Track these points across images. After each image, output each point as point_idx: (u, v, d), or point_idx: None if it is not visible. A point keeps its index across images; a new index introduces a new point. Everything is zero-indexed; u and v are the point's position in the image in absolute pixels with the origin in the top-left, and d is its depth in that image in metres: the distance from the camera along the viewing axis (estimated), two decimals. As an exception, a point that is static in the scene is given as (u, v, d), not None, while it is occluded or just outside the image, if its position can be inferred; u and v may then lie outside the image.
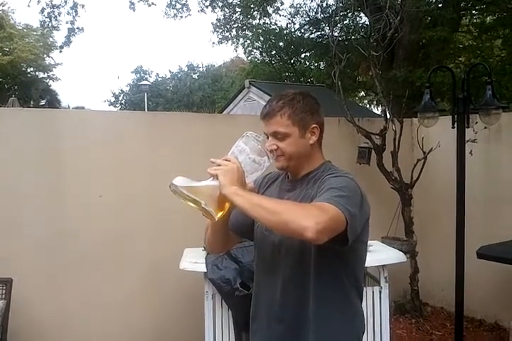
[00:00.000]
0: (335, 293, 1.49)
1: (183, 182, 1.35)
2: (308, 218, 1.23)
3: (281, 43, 13.61)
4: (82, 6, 11.73)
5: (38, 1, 11.42)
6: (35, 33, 22.20)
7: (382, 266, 2.91)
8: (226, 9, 12.48)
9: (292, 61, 14.49)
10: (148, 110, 22.40)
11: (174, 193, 1.36)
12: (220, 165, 1.38)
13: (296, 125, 1.50)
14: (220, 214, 1.38)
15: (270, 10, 12.76)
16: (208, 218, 1.40)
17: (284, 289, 1.52)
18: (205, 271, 2.75)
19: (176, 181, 1.35)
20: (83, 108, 22.43)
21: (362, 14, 10.00)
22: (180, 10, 12.34)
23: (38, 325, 3.20)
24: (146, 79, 30.30)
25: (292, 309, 1.51)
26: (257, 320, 1.63)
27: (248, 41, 14.43)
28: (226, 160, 1.39)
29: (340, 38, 8.94)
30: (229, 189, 1.32)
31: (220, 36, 13.33)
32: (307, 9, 13.06)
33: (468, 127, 3.12)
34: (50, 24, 12.19)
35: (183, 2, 12.25)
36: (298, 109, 1.51)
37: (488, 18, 9.72)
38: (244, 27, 13.08)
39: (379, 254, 2.96)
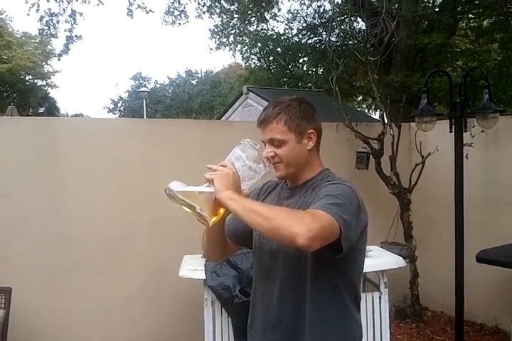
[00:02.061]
0: (332, 300, 1.49)
1: (178, 186, 1.36)
2: (300, 225, 1.23)
3: (278, 49, 13.69)
4: (81, 14, 11.78)
5: (37, 10, 11.48)
6: (33, 41, 22.32)
7: (382, 271, 2.91)
8: (224, 15, 12.55)
9: (290, 66, 14.54)
10: (147, 117, 22.45)
11: (169, 197, 1.36)
12: (216, 171, 1.38)
13: (293, 131, 1.50)
14: (214, 219, 1.38)
15: (267, 16, 12.84)
16: (202, 223, 1.40)
17: (281, 296, 1.51)
18: (205, 278, 2.74)
19: (172, 185, 1.35)
20: (82, 115, 22.57)
21: (359, 19, 10.06)
22: (178, 16, 12.39)
23: (37, 328, 3.19)
24: (145, 86, 30.36)
25: (289, 316, 1.50)
26: (254, 326, 1.63)
27: (246, 47, 14.50)
28: (222, 165, 1.40)
29: (337, 43, 8.98)
30: (223, 193, 1.33)
31: (217, 42, 13.40)
32: (304, 15, 13.16)
33: (465, 131, 3.12)
34: (48, 32, 12.24)
35: (180, 9, 12.30)
36: (294, 115, 1.50)
37: (484, 22, 9.77)
38: (242, 33, 13.15)
39: (378, 259, 2.96)
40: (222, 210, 1.39)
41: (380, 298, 2.92)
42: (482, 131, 3.48)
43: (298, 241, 1.21)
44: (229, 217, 1.52)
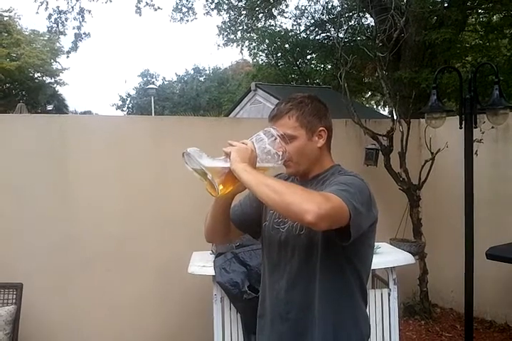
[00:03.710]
0: (341, 292, 1.50)
1: (196, 153, 1.38)
2: (311, 203, 1.23)
3: (286, 45, 13.61)
4: (89, 12, 11.84)
5: (46, 7, 11.54)
6: (42, 39, 22.40)
7: (391, 268, 2.89)
8: (231, 12, 12.54)
9: (298, 63, 14.48)
10: (155, 114, 22.52)
11: (184, 161, 1.39)
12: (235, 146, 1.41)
13: (304, 127, 1.51)
14: (221, 187, 1.38)
15: (275, 12, 12.81)
16: (210, 193, 1.41)
17: (290, 288, 1.52)
18: (214, 274, 2.75)
19: (191, 150, 1.38)
20: (90, 112, 22.65)
21: (367, 15, 10.01)
22: (186, 13, 12.42)
23: (46, 329, 3.22)
24: (153, 83, 30.47)
25: (297, 307, 1.51)
26: (263, 317, 1.64)
27: (253, 43, 14.47)
28: (243, 143, 1.42)
29: (345, 40, 8.94)
30: (239, 164, 1.34)
31: (225, 39, 13.39)
32: (312, 11, 13.08)
33: (475, 127, 3.10)
34: (57, 29, 12.30)
35: (189, 6, 12.32)
36: (306, 112, 1.52)
37: (494, 17, 9.68)
38: (250, 29, 13.12)
39: (387, 256, 2.95)
40: (232, 185, 1.40)
41: (389, 294, 2.90)
42: (492, 127, 3.46)
43: (306, 218, 1.21)
44: (236, 202, 1.56)
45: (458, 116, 3.15)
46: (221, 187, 1.38)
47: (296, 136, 1.50)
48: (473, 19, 10.14)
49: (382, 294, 2.91)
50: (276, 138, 1.45)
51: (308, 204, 1.22)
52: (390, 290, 2.91)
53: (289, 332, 1.53)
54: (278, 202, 1.27)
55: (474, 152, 3.16)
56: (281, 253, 1.55)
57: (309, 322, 1.49)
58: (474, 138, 3.19)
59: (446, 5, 8.87)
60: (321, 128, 1.53)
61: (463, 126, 3.10)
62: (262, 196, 1.30)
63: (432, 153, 3.77)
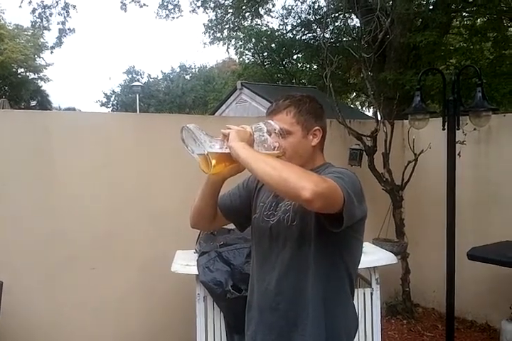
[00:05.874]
0: (333, 278, 1.52)
1: (196, 129, 1.38)
2: (308, 180, 1.24)
3: (273, 45, 13.64)
4: (74, 7, 11.76)
5: (30, 2, 11.41)
6: (25, 34, 22.13)
7: (374, 267, 2.91)
8: (218, 10, 12.52)
9: (284, 62, 14.51)
10: (140, 111, 22.39)
11: (182, 137, 1.40)
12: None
13: (300, 124, 1.54)
14: (214, 162, 1.38)
15: (262, 11, 12.83)
16: (203, 170, 1.41)
17: (281, 278, 1.53)
18: (197, 273, 2.74)
19: (190, 126, 1.38)
20: (74, 109, 22.41)
21: (353, 16, 10.06)
22: (172, 11, 12.39)
23: (29, 324, 3.18)
24: (138, 80, 30.22)
25: (287, 298, 1.52)
26: (251, 310, 1.65)
27: (240, 42, 14.47)
28: (242, 127, 1.44)
29: (331, 40, 8.97)
30: (237, 143, 1.35)
31: (211, 37, 13.38)
32: (299, 11, 13.13)
33: (458, 129, 3.13)
34: (41, 24, 12.17)
35: (174, 3, 12.29)
36: (303, 110, 1.55)
37: (478, 21, 9.80)
38: (236, 28, 13.12)
39: (370, 256, 2.96)
40: (226, 165, 1.41)
41: (371, 294, 2.92)
42: (474, 129, 3.50)
43: (303, 194, 1.21)
44: (225, 192, 1.59)
45: (441, 118, 3.18)
46: (214, 162, 1.38)
47: (292, 131, 1.53)
48: (458, 22, 10.26)
49: (364, 293, 2.92)
50: (275, 130, 1.48)
51: (306, 182, 1.23)
52: (373, 289, 2.92)
53: (279, 322, 1.54)
54: (275, 178, 1.27)
55: (457, 153, 3.19)
56: (272, 245, 1.57)
57: (299, 312, 1.50)
58: (457, 140, 3.22)
59: (431, 7, 8.97)
60: (316, 128, 1.57)
61: (446, 127, 3.13)
62: (259, 172, 1.30)
63: (415, 154, 3.80)
